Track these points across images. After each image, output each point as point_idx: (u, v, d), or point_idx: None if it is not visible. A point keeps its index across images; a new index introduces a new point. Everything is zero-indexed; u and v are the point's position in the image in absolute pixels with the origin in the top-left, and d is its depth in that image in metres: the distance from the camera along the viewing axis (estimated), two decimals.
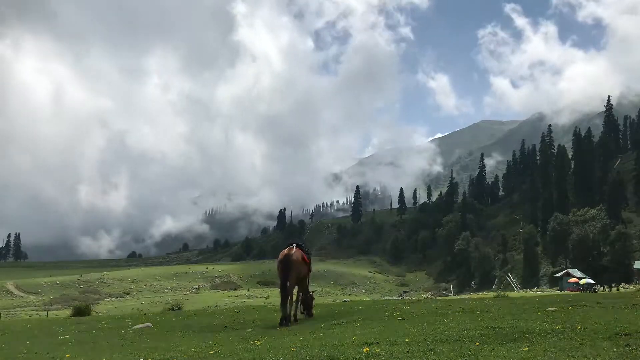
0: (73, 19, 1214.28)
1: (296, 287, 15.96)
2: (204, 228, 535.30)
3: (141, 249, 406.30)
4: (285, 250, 15.42)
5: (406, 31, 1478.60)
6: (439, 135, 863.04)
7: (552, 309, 14.17)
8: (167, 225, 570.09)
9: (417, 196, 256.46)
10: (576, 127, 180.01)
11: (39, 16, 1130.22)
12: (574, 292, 48.59)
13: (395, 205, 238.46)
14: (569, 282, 74.31)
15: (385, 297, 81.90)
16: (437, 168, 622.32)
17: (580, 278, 77.05)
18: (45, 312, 77.38)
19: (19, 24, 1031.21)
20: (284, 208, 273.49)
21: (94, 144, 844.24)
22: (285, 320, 14.76)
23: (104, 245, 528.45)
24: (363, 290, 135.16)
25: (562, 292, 61.06)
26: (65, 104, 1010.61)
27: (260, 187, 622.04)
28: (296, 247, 15.76)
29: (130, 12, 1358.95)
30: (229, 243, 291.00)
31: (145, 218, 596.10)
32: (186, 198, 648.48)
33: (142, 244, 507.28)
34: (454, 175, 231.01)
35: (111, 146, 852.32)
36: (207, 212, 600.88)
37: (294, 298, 15.89)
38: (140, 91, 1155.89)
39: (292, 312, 15.52)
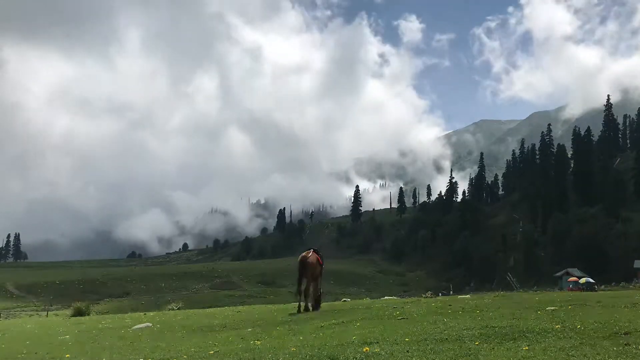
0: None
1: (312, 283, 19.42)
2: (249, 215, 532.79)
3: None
4: (304, 253, 19.29)
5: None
6: (444, 132, 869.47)
7: (552, 308, 14.18)
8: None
9: (417, 195, 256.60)
10: (576, 126, 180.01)
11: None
12: (573, 292, 48.57)
13: (395, 204, 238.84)
14: (569, 281, 74.07)
15: (385, 297, 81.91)
16: (440, 166, 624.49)
17: (579, 277, 76.91)
18: (45, 312, 77.38)
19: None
20: (284, 208, 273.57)
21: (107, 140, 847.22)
22: (301, 309, 18.75)
23: (146, 233, 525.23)
24: (363, 290, 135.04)
25: (562, 291, 61.03)
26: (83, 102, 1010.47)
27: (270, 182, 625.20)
28: (313, 251, 19.49)
29: None
30: (228, 243, 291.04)
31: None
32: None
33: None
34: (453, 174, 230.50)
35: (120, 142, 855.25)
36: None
37: (310, 292, 19.31)
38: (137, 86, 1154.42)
39: (309, 303, 19.16)
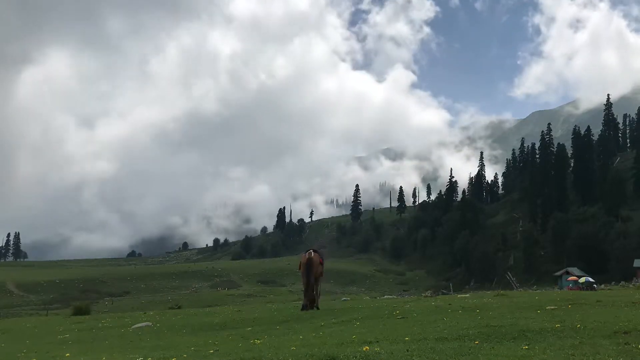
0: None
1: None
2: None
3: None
4: (307, 254, 20.12)
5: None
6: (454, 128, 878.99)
7: (552, 307, 14.19)
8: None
9: (417, 194, 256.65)
10: (576, 125, 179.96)
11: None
12: (573, 291, 48.59)
13: (395, 203, 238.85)
14: (568, 281, 74.15)
15: (385, 296, 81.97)
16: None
17: (579, 276, 76.92)
18: (45, 312, 77.34)
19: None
20: (284, 207, 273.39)
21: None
22: (306, 307, 19.49)
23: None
24: (363, 289, 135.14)
25: (562, 290, 61.05)
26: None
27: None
28: (314, 252, 20.40)
29: None
30: (228, 242, 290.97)
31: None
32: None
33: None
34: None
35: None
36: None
37: (315, 291, 20.29)
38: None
39: (309, 302, 19.84)
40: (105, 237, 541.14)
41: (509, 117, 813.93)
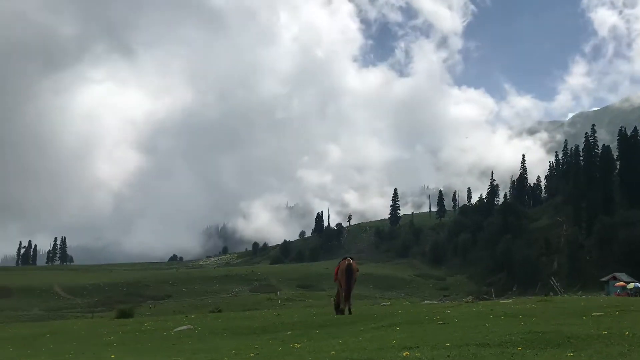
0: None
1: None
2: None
3: None
4: (346, 262, 20.69)
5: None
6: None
7: (598, 314, 13.82)
8: None
9: (457, 199, 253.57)
10: (622, 126, 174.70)
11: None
12: (621, 297, 47.15)
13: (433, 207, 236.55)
14: (616, 286, 72.15)
15: (425, 301, 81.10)
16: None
17: (627, 282, 74.64)
18: (91, 314, 79.38)
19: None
20: (322, 211, 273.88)
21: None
22: (342, 311, 20.22)
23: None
24: (402, 294, 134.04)
25: (609, 296, 59.30)
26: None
27: None
28: (350, 259, 21.00)
29: None
30: (267, 246, 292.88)
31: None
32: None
33: None
34: None
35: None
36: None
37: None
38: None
39: (349, 306, 20.39)
40: (158, 239, 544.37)
41: (559, 113, 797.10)
